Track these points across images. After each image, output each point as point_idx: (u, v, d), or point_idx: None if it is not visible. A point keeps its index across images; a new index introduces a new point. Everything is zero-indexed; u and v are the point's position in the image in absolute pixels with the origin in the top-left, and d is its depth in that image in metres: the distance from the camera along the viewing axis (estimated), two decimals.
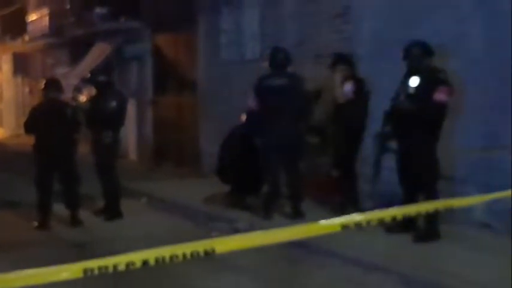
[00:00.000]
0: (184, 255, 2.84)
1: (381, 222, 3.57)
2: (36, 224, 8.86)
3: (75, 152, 9.18)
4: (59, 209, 9.11)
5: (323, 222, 3.34)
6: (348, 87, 8.52)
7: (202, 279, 6.34)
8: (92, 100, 9.86)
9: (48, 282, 2.87)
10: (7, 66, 28.75)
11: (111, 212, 9.34)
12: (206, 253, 2.87)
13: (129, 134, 15.64)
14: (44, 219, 8.89)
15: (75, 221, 8.97)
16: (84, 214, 9.19)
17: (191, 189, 11.16)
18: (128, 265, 2.82)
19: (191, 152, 13.78)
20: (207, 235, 7.89)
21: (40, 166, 9.01)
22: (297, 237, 3.31)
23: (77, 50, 19.53)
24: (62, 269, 2.89)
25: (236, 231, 8.07)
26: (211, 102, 13.14)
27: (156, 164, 14.91)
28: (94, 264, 2.82)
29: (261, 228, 7.88)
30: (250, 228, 8.06)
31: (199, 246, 2.89)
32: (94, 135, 9.44)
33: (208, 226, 8.56)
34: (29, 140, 9.42)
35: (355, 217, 3.31)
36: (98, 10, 17.84)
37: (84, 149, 9.59)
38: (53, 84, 9.32)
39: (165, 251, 2.87)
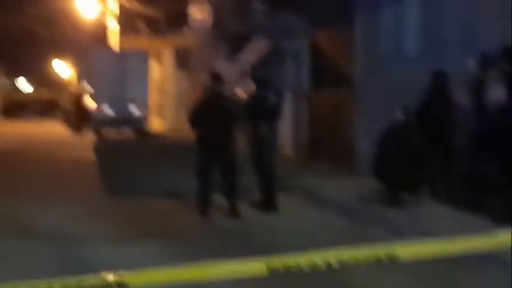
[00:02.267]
0: (366, 260, 2.81)
1: None
2: (197, 212, 9.21)
3: (235, 145, 9.45)
4: (218, 199, 9.40)
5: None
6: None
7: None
8: (251, 94, 10.10)
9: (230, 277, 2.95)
10: (169, 60, 29.94)
11: (268, 204, 9.52)
12: (390, 259, 2.82)
13: (284, 128, 15.84)
14: (205, 209, 9.21)
15: (234, 212, 9.22)
16: (241, 205, 9.43)
17: (346, 185, 11.16)
18: (312, 265, 2.82)
19: (346, 149, 13.75)
20: (362, 234, 7.92)
21: (202, 157, 9.35)
22: (478, 248, 3.15)
23: (237, 44, 20.02)
24: (245, 265, 2.94)
25: (391, 230, 7.99)
26: (368, 98, 13.04)
27: (311, 160, 15.01)
28: (277, 262, 2.84)
29: (417, 227, 7.82)
30: (406, 227, 7.96)
31: (381, 251, 2.84)
32: (252, 128, 9.66)
33: (364, 224, 8.52)
34: (187, 133, 9.77)
35: None
36: (258, 6, 18.20)
37: (242, 142, 9.84)
38: (216, 78, 9.62)
39: (345, 253, 2.84)
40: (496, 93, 8.03)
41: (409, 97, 9.84)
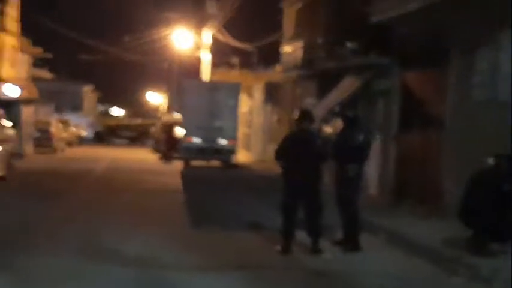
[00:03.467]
0: None
1: None
2: (279, 248, 9.25)
3: (320, 182, 9.48)
4: (301, 235, 9.42)
5: None
6: None
7: None
8: (339, 133, 10.13)
9: None
10: (259, 94, 30.32)
11: (350, 244, 9.48)
12: None
13: (371, 167, 15.75)
14: (287, 244, 9.24)
15: (315, 249, 9.22)
16: (324, 243, 9.42)
17: (431, 229, 10.96)
18: None
19: (433, 191, 13.53)
20: (445, 279, 7.79)
21: (287, 192, 9.41)
22: None
23: (327, 82, 20.09)
24: None
25: (476, 278, 7.81)
26: (458, 141, 12.85)
27: (397, 200, 14.84)
28: None
29: (503, 277, 7.61)
30: (491, 276, 7.78)
31: None
32: (339, 167, 9.67)
33: (448, 270, 8.36)
34: (272, 166, 9.87)
35: None
36: (349, 45, 18.26)
37: (327, 180, 9.85)
38: (306, 115, 9.71)
39: None
40: None
41: (500, 143, 9.67)
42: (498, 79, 12.00)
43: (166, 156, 28.65)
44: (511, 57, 11.60)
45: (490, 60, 12.26)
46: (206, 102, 25.23)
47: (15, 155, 20.41)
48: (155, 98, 61.92)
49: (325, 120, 16.89)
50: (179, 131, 26.96)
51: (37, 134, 30.82)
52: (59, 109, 46.23)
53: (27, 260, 8.11)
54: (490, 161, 9.08)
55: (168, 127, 29.92)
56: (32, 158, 26.96)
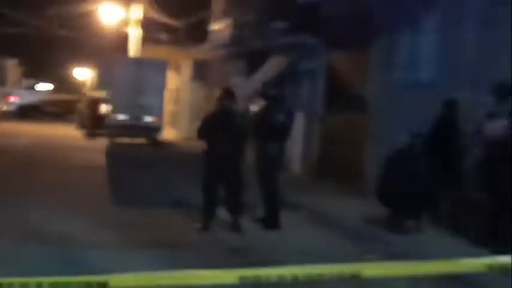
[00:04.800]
0: (331, 276, 2.92)
1: None
2: (199, 225, 9.27)
3: (242, 160, 9.52)
4: (222, 213, 9.46)
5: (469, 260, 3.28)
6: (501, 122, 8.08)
7: None
8: (261, 111, 10.17)
9: (204, 284, 3.06)
10: (187, 71, 30.15)
11: (270, 221, 9.57)
12: (353, 276, 2.92)
13: (294, 146, 15.91)
14: (207, 221, 9.27)
15: (235, 227, 9.28)
16: (244, 221, 9.48)
17: (352, 207, 11.18)
18: (279, 277, 2.94)
19: (355, 171, 13.79)
20: (360, 256, 7.95)
21: (208, 171, 9.42)
22: (444, 271, 3.26)
23: (254, 61, 20.14)
24: (219, 274, 3.07)
25: (390, 255, 8.01)
26: (380, 122, 13.10)
27: (319, 179, 15.05)
28: (249, 273, 2.96)
29: (417, 253, 7.83)
30: (404, 254, 7.98)
31: (347, 268, 2.95)
32: (260, 145, 9.73)
33: (364, 247, 8.54)
34: (200, 144, 9.88)
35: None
36: (278, 24, 18.32)
37: (248, 158, 9.90)
38: (228, 94, 9.71)
39: (313, 269, 2.96)
40: (498, 124, 8.06)
41: (421, 124, 9.89)
42: (419, 61, 12.26)
43: (91, 133, 28.22)
44: (432, 40, 11.87)
45: (412, 42, 12.51)
46: (132, 79, 24.92)
47: None
48: (82, 74, 60.91)
49: (251, 99, 16.93)
50: (105, 108, 26.58)
51: None
52: None
53: None
54: (405, 139, 9.30)
55: (94, 103, 29.43)
56: None
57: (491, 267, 3.06)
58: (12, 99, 52.58)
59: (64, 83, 64.66)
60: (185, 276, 3.07)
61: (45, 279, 3.13)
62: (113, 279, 3.01)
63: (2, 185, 12.91)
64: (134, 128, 25.05)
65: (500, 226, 7.95)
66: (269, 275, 2.90)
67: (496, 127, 8.16)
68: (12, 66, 59.71)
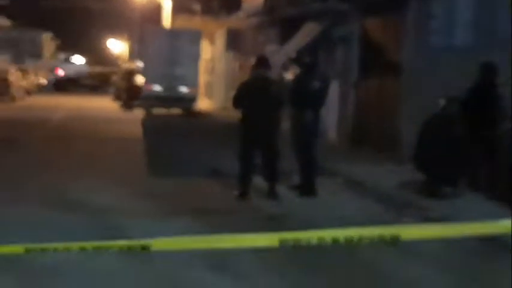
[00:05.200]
0: (371, 238, 2.95)
1: None
2: (237, 193, 9.34)
3: (278, 129, 9.55)
4: (258, 181, 9.53)
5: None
6: None
7: (388, 264, 6.39)
8: (296, 79, 10.16)
9: (245, 247, 3.12)
10: (220, 41, 30.12)
11: (307, 188, 9.61)
12: (392, 239, 2.95)
13: (330, 114, 15.88)
14: (244, 190, 9.34)
15: (272, 194, 9.34)
16: (281, 189, 9.54)
17: (388, 173, 11.16)
18: (319, 240, 2.98)
19: (391, 137, 13.73)
20: (397, 221, 7.98)
21: (244, 139, 9.47)
22: (482, 233, 3.26)
23: (287, 29, 20.04)
24: (259, 238, 3.12)
25: (427, 220, 8.01)
26: (415, 88, 12.98)
27: (355, 146, 15.03)
28: (289, 236, 3.01)
29: (454, 219, 7.82)
30: (442, 218, 7.97)
31: (386, 231, 2.98)
32: (296, 113, 9.73)
33: (400, 212, 8.55)
34: (235, 113, 9.93)
35: None
36: None
37: (285, 126, 9.93)
38: (262, 62, 9.70)
39: (353, 232, 2.99)
40: None
41: (457, 88, 9.79)
42: (455, 25, 12.09)
43: (127, 105, 28.46)
44: (468, 2, 11.69)
45: (447, 5, 12.33)
46: (167, 50, 25.01)
47: None
48: (117, 46, 61.20)
49: (286, 67, 16.90)
50: (140, 79, 26.75)
51: None
52: (18, 57, 45.46)
53: None
54: (442, 102, 9.22)
55: (129, 75, 29.65)
56: None
57: None
58: (59, 71, 53.13)
59: (99, 56, 65.14)
60: (225, 239, 3.14)
61: (88, 244, 3.23)
62: (155, 242, 3.10)
63: (41, 157, 13.15)
64: (169, 99, 25.20)
65: None
66: (310, 238, 2.94)
67: None
68: (48, 40, 60.18)
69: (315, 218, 8.14)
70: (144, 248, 3.06)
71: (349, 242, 2.93)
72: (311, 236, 2.96)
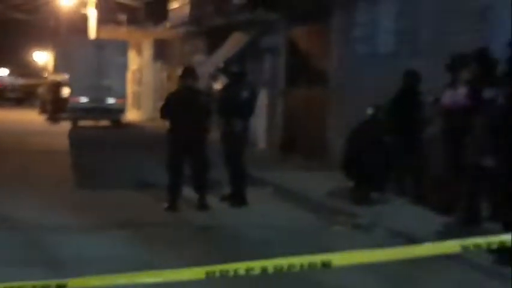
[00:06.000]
0: (301, 266, 2.93)
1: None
2: (166, 205, 9.25)
3: (206, 139, 9.51)
4: (188, 192, 9.46)
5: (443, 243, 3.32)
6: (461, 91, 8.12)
7: None
8: (224, 89, 10.15)
9: (170, 281, 3.06)
10: (148, 51, 29.91)
11: (237, 198, 9.59)
12: (324, 265, 2.93)
13: (259, 123, 15.93)
14: (174, 201, 9.25)
15: (202, 205, 9.28)
16: (211, 199, 9.49)
17: (317, 181, 11.24)
18: (247, 271, 2.94)
19: (319, 145, 13.86)
20: (328, 228, 8.04)
21: (173, 150, 9.40)
22: (415, 256, 3.27)
23: (215, 39, 20.06)
24: (184, 271, 3.07)
25: (357, 227, 8.11)
26: (342, 95, 13.16)
27: (284, 155, 15.11)
28: (216, 268, 2.96)
29: (382, 225, 7.93)
30: (371, 224, 8.08)
31: (317, 258, 2.95)
32: (224, 123, 9.71)
33: (331, 220, 8.62)
34: (164, 124, 9.83)
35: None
36: (236, 1, 18.24)
37: (213, 136, 9.89)
38: (189, 73, 9.66)
39: (283, 261, 2.96)
40: (458, 93, 8.14)
41: (382, 96, 9.95)
42: (379, 32, 12.31)
43: (53, 117, 27.91)
44: (390, 10, 11.93)
45: (370, 14, 12.55)
46: (93, 61, 24.67)
47: None
48: (41, 57, 59.99)
49: (214, 77, 16.87)
50: (66, 91, 26.28)
51: None
52: None
53: None
54: (369, 111, 9.37)
55: (55, 87, 29.04)
56: None
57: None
58: None
59: (24, 68, 63.60)
60: (148, 274, 3.06)
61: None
62: (71, 282, 3.00)
63: None
64: (97, 111, 24.85)
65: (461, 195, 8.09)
66: (237, 269, 2.89)
67: (455, 95, 8.25)
68: None
69: (246, 228, 8.13)
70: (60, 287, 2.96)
71: (278, 271, 2.90)
72: (239, 267, 2.91)
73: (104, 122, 25.68)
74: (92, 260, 6.31)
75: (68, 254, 6.75)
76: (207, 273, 2.92)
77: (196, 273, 2.97)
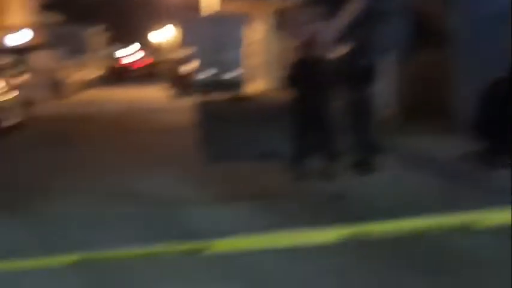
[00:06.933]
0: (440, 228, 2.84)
1: None
2: (294, 175, 9.30)
3: (331, 107, 9.47)
4: (315, 161, 9.45)
5: None
6: None
7: None
8: (345, 56, 10.05)
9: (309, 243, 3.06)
10: (268, 22, 29.96)
11: (366, 166, 9.51)
12: (463, 228, 2.81)
13: (382, 89, 15.65)
14: (300, 171, 9.30)
15: (330, 174, 9.27)
16: (337, 167, 9.44)
17: (443, 145, 10.98)
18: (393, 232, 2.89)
19: (444, 109, 13.50)
20: (459, 192, 7.84)
21: (296, 120, 9.43)
22: None
23: (334, 5, 19.80)
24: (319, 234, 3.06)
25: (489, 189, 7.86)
26: (465, 58, 12.75)
27: (409, 120, 14.80)
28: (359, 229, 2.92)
29: None
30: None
31: (456, 219, 2.85)
32: (347, 91, 9.64)
33: (463, 184, 8.39)
34: (285, 95, 9.86)
35: None
36: None
37: (338, 104, 9.83)
38: (310, 41, 9.63)
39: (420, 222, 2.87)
40: None
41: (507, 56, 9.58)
42: None
43: (177, 93, 28.60)
44: None
45: None
46: (213, 36, 25.08)
47: (29, 101, 20.44)
48: (166, 34, 61.44)
49: (334, 44, 16.70)
50: (189, 67, 26.85)
51: (49, 80, 30.71)
52: (70, 52, 45.86)
53: (43, 204, 8.25)
54: (500, 74, 9.01)
55: (177, 63, 29.77)
56: (45, 104, 27.02)
57: None
58: (123, 61, 53.45)
59: (146, 46, 65.47)
60: (286, 236, 3.08)
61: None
62: (214, 244, 3.06)
63: (98, 152, 13.30)
64: (218, 84, 25.25)
65: None
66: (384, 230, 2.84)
67: None
68: (93, 34, 60.58)
69: (378, 196, 8.05)
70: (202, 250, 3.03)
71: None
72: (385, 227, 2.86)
73: (226, 95, 26.07)
74: (228, 232, 6.43)
75: (204, 226, 6.93)
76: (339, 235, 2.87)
77: (331, 235, 2.93)
